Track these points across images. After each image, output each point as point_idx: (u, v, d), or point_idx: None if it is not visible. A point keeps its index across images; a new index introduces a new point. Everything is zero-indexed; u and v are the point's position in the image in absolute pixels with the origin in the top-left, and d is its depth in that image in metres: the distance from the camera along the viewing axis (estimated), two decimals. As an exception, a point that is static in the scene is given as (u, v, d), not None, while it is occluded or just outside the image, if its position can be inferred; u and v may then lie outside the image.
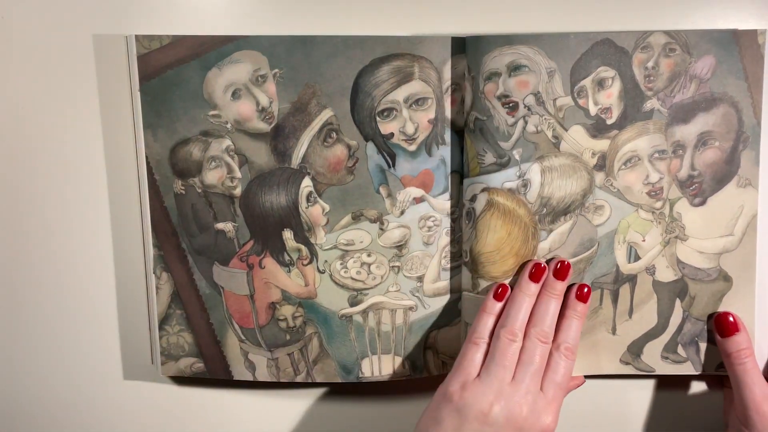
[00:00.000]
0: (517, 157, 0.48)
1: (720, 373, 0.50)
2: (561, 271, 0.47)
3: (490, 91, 0.47)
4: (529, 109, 0.47)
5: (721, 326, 0.48)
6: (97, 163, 0.51)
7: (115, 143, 0.51)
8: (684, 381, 0.53)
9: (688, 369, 0.50)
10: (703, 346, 0.50)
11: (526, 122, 0.48)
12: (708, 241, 0.49)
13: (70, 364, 0.54)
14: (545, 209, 0.48)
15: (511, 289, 0.47)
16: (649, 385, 0.53)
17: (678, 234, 0.49)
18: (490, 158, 0.48)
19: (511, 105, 0.47)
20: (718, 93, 0.48)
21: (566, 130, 0.48)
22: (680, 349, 0.50)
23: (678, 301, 0.50)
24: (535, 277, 0.47)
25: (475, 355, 0.46)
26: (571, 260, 0.49)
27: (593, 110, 0.48)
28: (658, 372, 0.50)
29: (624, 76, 0.48)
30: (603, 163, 0.49)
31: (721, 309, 0.49)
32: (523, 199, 0.48)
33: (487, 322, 0.47)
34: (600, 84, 0.47)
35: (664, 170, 0.49)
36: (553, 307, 0.46)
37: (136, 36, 0.47)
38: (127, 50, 0.49)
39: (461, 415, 0.44)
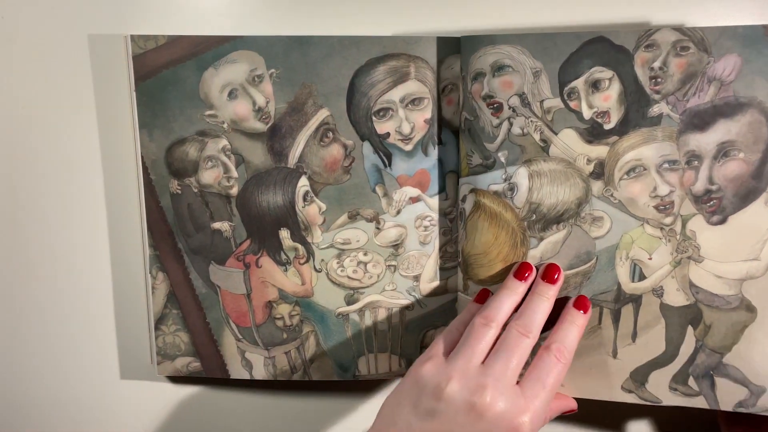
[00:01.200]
0: (502, 159, 0.46)
1: (740, 411, 0.45)
2: (549, 273, 0.44)
3: (477, 91, 0.46)
4: (513, 111, 0.46)
5: None
6: (93, 164, 0.51)
7: (111, 143, 0.51)
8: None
9: (700, 403, 0.45)
10: (719, 381, 0.45)
11: (511, 124, 0.46)
12: (728, 265, 0.44)
13: (67, 363, 0.54)
14: (534, 216, 0.46)
15: None
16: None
17: (691, 254, 0.44)
18: (477, 159, 0.47)
19: (495, 106, 0.46)
20: (744, 97, 0.42)
21: (555, 133, 0.45)
22: (692, 382, 0.46)
23: (690, 329, 0.45)
24: (519, 274, 0.44)
25: (445, 340, 0.43)
26: (567, 272, 0.46)
27: (587, 114, 0.45)
28: (666, 403, 0.46)
29: (624, 78, 0.44)
30: (601, 171, 0.45)
31: (743, 343, 0.44)
32: (509, 203, 0.46)
33: (465, 318, 0.44)
34: (594, 86, 0.44)
35: (675, 183, 0.44)
36: (542, 307, 0.43)
37: (132, 36, 0.47)
38: (126, 50, 0.49)
39: (419, 389, 0.40)
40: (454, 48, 0.47)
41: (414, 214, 0.49)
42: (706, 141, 0.43)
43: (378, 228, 0.49)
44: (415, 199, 0.49)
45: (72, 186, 0.51)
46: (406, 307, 0.50)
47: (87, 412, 0.55)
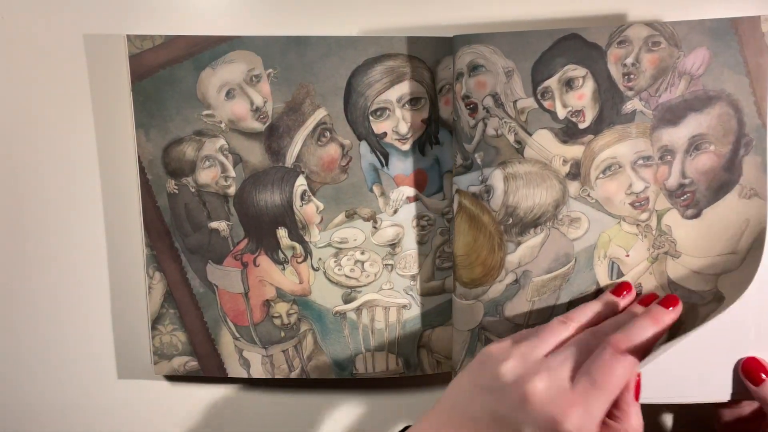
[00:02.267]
0: (479, 161, 0.46)
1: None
2: (668, 302, 0.41)
3: (458, 91, 0.46)
4: (487, 111, 0.45)
5: (751, 374, 0.41)
6: (90, 164, 0.51)
7: (108, 143, 0.51)
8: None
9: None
10: None
11: (485, 125, 0.45)
12: (706, 260, 0.43)
13: (64, 363, 0.54)
14: (511, 219, 0.45)
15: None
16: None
17: (668, 249, 0.44)
18: (459, 159, 0.47)
19: (471, 106, 0.46)
20: (713, 91, 0.42)
21: (530, 134, 0.45)
22: None
23: None
24: (617, 291, 0.43)
25: (524, 332, 0.41)
26: (546, 276, 0.45)
27: (562, 113, 0.44)
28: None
29: (598, 75, 0.43)
30: (577, 172, 0.44)
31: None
32: (486, 205, 0.46)
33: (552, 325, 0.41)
34: (568, 84, 0.44)
35: (649, 178, 0.44)
36: (649, 329, 0.38)
37: (128, 36, 0.47)
38: (123, 50, 0.48)
39: (481, 364, 0.40)
40: (450, 48, 0.47)
41: (411, 213, 0.49)
42: (678, 135, 0.43)
43: (375, 227, 0.50)
44: (412, 199, 0.49)
45: (69, 186, 0.51)
46: (403, 306, 0.50)
47: (84, 411, 0.55)
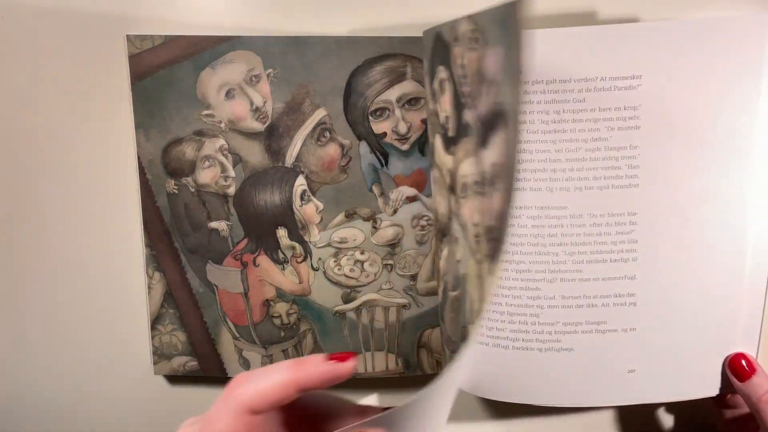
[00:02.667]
0: (429, 158, 0.45)
1: None
2: (335, 356, 0.34)
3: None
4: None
5: (736, 370, 0.41)
6: (89, 163, 0.51)
7: (108, 143, 0.51)
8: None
9: None
10: None
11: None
12: None
13: (62, 363, 0.54)
14: (438, 224, 0.43)
15: None
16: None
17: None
18: None
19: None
20: (499, 103, 0.30)
21: (433, 136, 0.43)
22: None
23: None
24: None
25: None
26: (453, 294, 0.41)
27: (442, 118, 0.40)
28: None
29: (453, 78, 0.38)
30: (453, 186, 0.40)
31: None
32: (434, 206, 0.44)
33: None
34: (441, 87, 0.40)
35: (483, 211, 0.34)
36: (272, 366, 0.33)
37: (128, 36, 0.47)
38: (123, 50, 0.49)
39: None
40: (450, 48, 0.47)
41: (411, 213, 0.49)
42: (488, 161, 0.32)
43: (375, 227, 0.50)
44: (411, 199, 0.49)
45: (68, 186, 0.51)
46: (403, 306, 0.50)
47: (83, 412, 0.55)
